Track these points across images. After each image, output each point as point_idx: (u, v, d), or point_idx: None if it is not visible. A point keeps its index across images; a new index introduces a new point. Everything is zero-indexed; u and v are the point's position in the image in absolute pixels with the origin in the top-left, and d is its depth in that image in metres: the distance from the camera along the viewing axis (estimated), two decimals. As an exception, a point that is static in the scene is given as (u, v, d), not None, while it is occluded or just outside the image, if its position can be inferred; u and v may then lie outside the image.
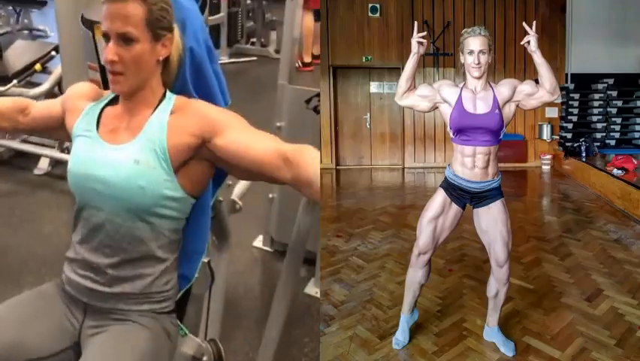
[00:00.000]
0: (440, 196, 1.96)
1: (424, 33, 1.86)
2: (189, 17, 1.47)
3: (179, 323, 1.54)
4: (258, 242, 3.21)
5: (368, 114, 6.70)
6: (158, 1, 1.32)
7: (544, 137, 6.46)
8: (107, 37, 1.30)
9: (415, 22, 1.99)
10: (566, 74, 6.11)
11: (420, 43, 1.86)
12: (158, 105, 1.39)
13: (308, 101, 2.72)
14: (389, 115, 6.70)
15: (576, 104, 5.95)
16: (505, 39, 6.26)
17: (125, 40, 1.29)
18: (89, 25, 1.88)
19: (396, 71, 6.23)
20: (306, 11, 5.72)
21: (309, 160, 1.27)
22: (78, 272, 1.41)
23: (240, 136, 1.35)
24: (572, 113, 5.94)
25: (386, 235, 3.57)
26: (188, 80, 1.48)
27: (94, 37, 1.85)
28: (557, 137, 6.30)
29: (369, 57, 6.57)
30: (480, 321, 2.25)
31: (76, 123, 1.44)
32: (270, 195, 3.01)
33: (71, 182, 1.41)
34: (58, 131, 1.55)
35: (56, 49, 3.95)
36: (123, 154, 1.34)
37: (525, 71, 5.83)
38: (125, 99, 1.40)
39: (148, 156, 1.33)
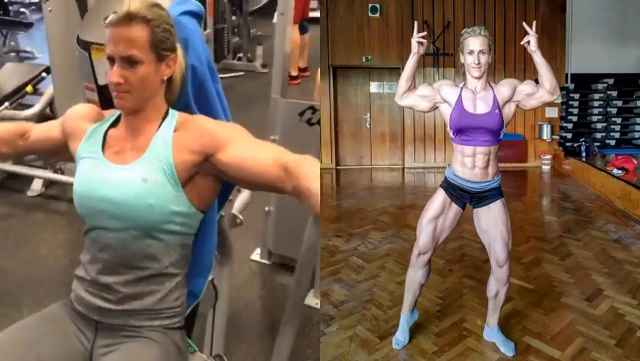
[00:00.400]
0: (440, 196, 2.02)
1: (424, 33, 1.92)
2: (191, 37, 1.55)
3: (188, 339, 1.59)
4: (256, 255, 3.29)
5: (368, 114, 6.82)
6: (161, 22, 1.38)
7: (544, 137, 6.56)
8: (111, 59, 1.37)
9: (415, 23, 2.04)
10: (566, 74, 6.23)
11: (420, 43, 1.92)
12: (162, 122, 1.44)
13: (301, 114, 2.82)
14: (389, 115, 6.83)
15: (576, 104, 6.06)
16: (505, 39, 6.39)
17: (130, 62, 1.35)
18: (85, 46, 1.96)
19: (396, 71, 6.36)
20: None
21: (309, 171, 1.32)
22: (89, 290, 1.44)
23: (241, 149, 1.40)
24: (572, 113, 6.05)
25: (386, 235, 3.67)
26: (190, 97, 1.55)
27: (90, 58, 1.93)
28: (557, 137, 6.41)
29: (369, 57, 6.70)
30: (480, 321, 2.32)
31: (80, 145, 1.49)
32: (267, 208, 3.10)
33: (78, 203, 1.44)
34: (57, 154, 1.59)
35: (47, 70, 4.07)
36: (130, 173, 1.39)
37: (525, 71, 5.94)
38: (128, 116, 1.45)
39: (156, 175, 1.38)
